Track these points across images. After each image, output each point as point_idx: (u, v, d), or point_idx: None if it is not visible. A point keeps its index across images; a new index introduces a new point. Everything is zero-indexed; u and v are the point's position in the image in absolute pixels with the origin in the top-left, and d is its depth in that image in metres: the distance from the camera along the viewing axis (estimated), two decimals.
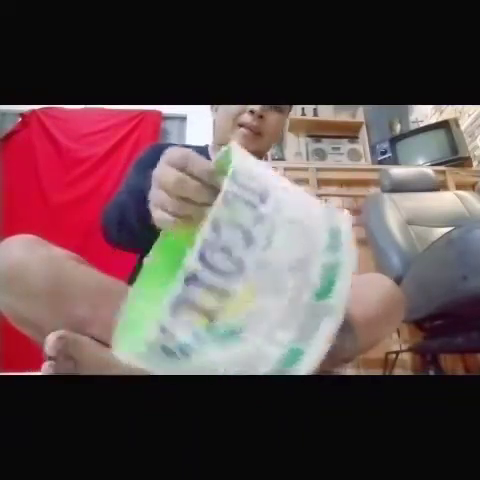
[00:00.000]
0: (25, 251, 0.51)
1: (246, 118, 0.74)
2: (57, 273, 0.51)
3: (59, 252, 0.56)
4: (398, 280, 1.17)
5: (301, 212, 0.28)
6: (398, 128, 2.55)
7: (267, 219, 0.25)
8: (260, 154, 0.83)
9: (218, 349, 0.23)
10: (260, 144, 0.77)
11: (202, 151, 0.85)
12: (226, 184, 0.25)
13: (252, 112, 0.73)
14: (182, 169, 0.32)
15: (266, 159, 2.35)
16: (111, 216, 0.60)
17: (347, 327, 0.56)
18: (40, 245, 0.54)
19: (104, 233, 0.64)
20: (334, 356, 0.57)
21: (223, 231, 0.24)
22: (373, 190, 1.86)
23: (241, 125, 0.75)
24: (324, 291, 0.27)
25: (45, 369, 0.44)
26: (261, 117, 0.74)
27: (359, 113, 2.61)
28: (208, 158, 0.84)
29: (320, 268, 0.27)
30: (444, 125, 2.19)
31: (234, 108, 0.75)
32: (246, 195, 0.25)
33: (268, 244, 0.25)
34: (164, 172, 0.32)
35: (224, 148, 0.33)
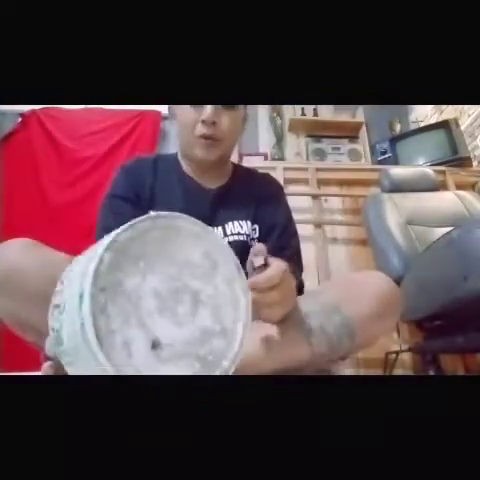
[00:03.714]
0: (23, 254, 0.51)
1: (200, 129, 0.73)
2: (55, 275, 0.51)
3: (57, 255, 0.56)
4: (398, 280, 1.17)
5: None
6: (398, 128, 2.55)
7: None
8: (226, 157, 0.83)
9: None
10: (222, 149, 0.77)
11: (173, 159, 0.85)
12: None
13: (204, 122, 0.72)
14: None
15: (266, 159, 2.35)
16: None
17: (343, 324, 0.57)
18: (38, 248, 0.54)
19: None
20: (331, 353, 0.57)
21: None
22: (373, 190, 1.85)
23: (200, 136, 0.74)
24: None
25: (45, 370, 0.43)
26: (214, 123, 0.72)
27: (359, 113, 2.61)
28: (178, 166, 0.82)
29: None
30: (444, 125, 2.19)
31: (188, 121, 0.73)
32: None
33: None
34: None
35: None
